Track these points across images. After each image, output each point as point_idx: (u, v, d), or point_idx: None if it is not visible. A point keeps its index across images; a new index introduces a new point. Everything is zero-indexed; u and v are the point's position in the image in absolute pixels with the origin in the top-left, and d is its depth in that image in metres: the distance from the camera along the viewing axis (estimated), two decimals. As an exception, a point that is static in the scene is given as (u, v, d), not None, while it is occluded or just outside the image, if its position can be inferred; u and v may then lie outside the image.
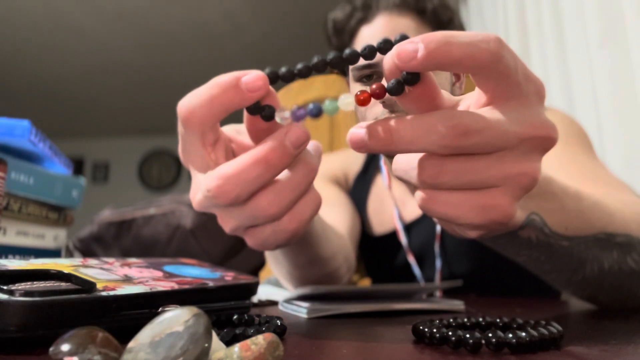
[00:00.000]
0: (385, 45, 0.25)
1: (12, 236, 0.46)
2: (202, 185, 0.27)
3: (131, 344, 0.15)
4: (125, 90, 3.96)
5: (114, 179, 5.04)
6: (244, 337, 0.23)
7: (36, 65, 3.57)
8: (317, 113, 0.25)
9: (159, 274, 0.31)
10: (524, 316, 0.31)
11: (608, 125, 1.13)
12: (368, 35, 0.59)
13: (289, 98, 1.07)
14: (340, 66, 0.26)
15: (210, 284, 0.30)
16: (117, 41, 3.25)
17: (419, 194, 0.25)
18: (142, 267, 0.32)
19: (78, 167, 5.04)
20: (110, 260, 0.33)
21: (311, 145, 0.31)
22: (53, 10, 2.91)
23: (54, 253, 0.53)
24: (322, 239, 0.44)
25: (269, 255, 0.49)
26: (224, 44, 3.26)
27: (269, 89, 0.26)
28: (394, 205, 0.75)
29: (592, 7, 1.18)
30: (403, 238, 0.72)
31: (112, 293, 0.24)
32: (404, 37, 0.24)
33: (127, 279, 0.28)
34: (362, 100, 0.24)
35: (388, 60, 0.23)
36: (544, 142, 0.25)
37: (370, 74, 0.48)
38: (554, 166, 0.56)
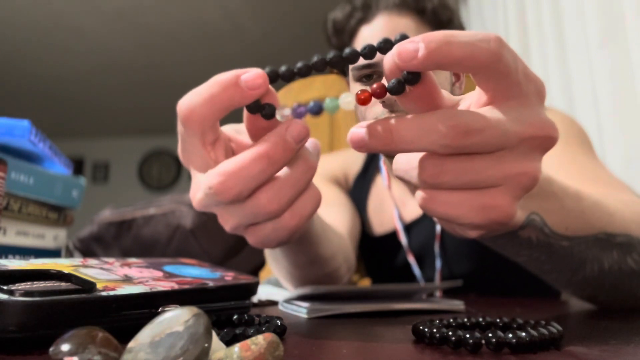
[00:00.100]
0: (386, 45, 0.25)
1: (12, 236, 0.46)
2: (203, 184, 0.27)
3: (131, 344, 0.15)
4: (125, 90, 3.96)
5: (114, 179, 5.04)
6: (244, 337, 0.23)
7: (36, 65, 3.57)
8: (317, 111, 0.25)
9: (159, 274, 0.31)
10: (524, 316, 0.31)
11: (608, 125, 1.13)
12: (368, 35, 0.59)
13: (290, 98, 1.07)
14: (340, 65, 0.25)
15: (210, 284, 0.30)
16: (117, 41, 3.25)
17: (420, 193, 0.25)
18: (142, 267, 0.32)
19: (78, 167, 5.04)
20: (110, 260, 0.33)
21: (309, 143, 0.31)
22: (53, 10, 2.92)
23: (54, 253, 0.53)
24: (322, 238, 0.44)
25: (268, 255, 0.49)
26: (224, 44, 3.26)
27: (269, 87, 0.26)
28: (393, 206, 0.75)
29: (592, 7, 1.18)
30: (403, 238, 0.72)
31: (112, 293, 0.24)
32: (404, 37, 0.24)
33: (127, 279, 0.28)
34: (363, 100, 0.24)
35: (388, 60, 0.23)
36: (545, 142, 0.25)
37: (370, 74, 0.48)
38: (554, 166, 0.56)
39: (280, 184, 0.27)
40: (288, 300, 0.40)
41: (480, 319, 0.29)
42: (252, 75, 0.25)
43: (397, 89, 0.24)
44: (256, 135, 0.28)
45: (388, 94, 0.24)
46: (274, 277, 0.68)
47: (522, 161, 0.24)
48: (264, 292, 0.52)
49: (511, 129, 0.23)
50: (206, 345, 0.15)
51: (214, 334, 0.17)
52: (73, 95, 4.05)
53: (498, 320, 0.29)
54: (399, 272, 0.74)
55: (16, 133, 0.44)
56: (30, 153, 0.48)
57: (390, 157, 0.44)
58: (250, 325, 0.28)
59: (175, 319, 0.16)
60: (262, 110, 0.26)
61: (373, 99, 0.24)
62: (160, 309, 0.25)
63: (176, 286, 0.28)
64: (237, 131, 0.31)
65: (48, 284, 0.24)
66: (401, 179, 0.27)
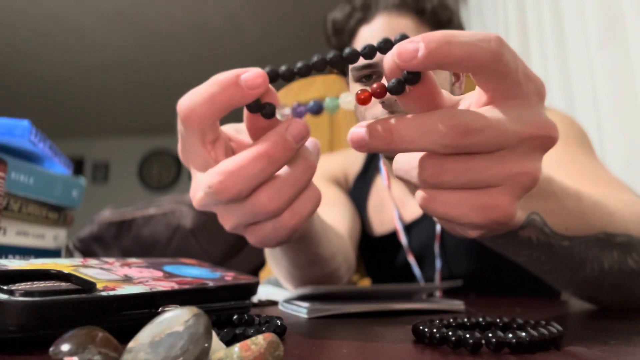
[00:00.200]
0: (385, 45, 0.25)
1: (12, 236, 0.46)
2: (203, 183, 0.27)
3: (131, 344, 0.15)
4: (125, 90, 3.96)
5: (114, 179, 5.04)
6: (244, 337, 0.23)
7: (36, 65, 3.57)
8: (317, 110, 0.25)
9: (159, 274, 0.31)
10: (524, 316, 0.31)
11: (608, 125, 1.13)
12: (367, 35, 0.59)
13: (290, 98, 1.07)
14: (339, 65, 0.25)
15: (210, 284, 0.30)
16: (117, 41, 3.25)
17: (420, 193, 0.25)
18: (142, 267, 0.32)
19: (78, 167, 5.04)
20: (110, 260, 0.33)
21: (309, 142, 0.31)
22: (53, 10, 2.92)
23: (54, 253, 0.53)
24: (322, 238, 0.44)
25: (268, 255, 0.49)
26: (224, 44, 3.26)
27: (269, 87, 0.26)
28: (393, 206, 0.75)
29: (592, 7, 1.18)
30: (403, 238, 0.72)
31: (112, 293, 0.24)
32: (404, 37, 0.24)
33: (127, 279, 0.28)
34: (363, 99, 0.24)
35: (388, 60, 0.23)
36: (545, 142, 0.25)
37: (370, 74, 0.48)
38: (554, 166, 0.56)
39: (280, 183, 0.27)
40: (288, 300, 0.40)
41: (480, 319, 0.29)
42: (252, 75, 0.25)
43: (397, 89, 0.24)
44: (256, 135, 0.28)
45: (388, 94, 0.24)
46: (274, 277, 0.68)
47: (522, 161, 0.24)
48: (264, 292, 0.52)
49: (511, 129, 0.23)
50: (206, 345, 0.15)
51: (214, 334, 0.17)
52: (73, 95, 4.05)
53: (498, 320, 0.29)
54: (399, 272, 0.74)
55: (16, 133, 0.44)
56: (30, 153, 0.48)
57: (390, 157, 0.44)
58: (250, 325, 0.28)
59: (175, 319, 0.16)
60: (262, 109, 0.26)
61: (373, 99, 0.24)
62: (160, 309, 0.25)
63: (176, 286, 0.28)
64: (237, 130, 0.31)
65: (48, 284, 0.24)
66: (401, 179, 0.27)
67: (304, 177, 0.28)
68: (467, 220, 0.24)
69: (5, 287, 0.21)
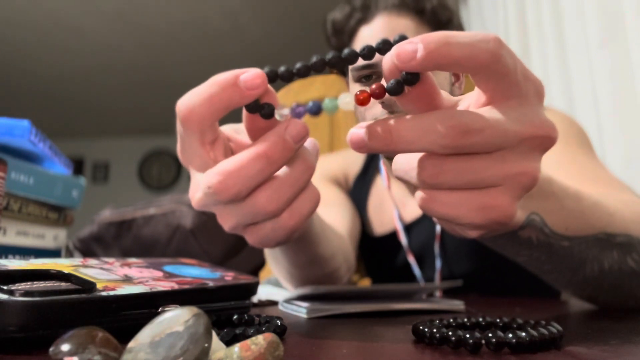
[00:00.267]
0: (384, 46, 0.25)
1: (12, 236, 0.46)
2: (202, 183, 0.27)
3: (131, 344, 0.15)
4: (125, 90, 3.96)
5: (114, 179, 5.04)
6: (244, 337, 0.23)
7: (36, 65, 3.57)
8: (316, 111, 0.25)
9: (159, 274, 0.31)
10: (524, 316, 0.31)
11: (608, 125, 1.13)
12: (367, 35, 0.59)
13: (289, 98, 1.07)
14: (339, 66, 0.26)
15: (210, 284, 0.30)
16: (117, 41, 3.25)
17: (419, 194, 0.25)
18: (142, 267, 0.32)
19: (78, 167, 5.04)
20: (110, 260, 0.33)
21: (308, 143, 0.31)
22: (53, 10, 2.91)
23: (54, 253, 0.53)
24: (322, 238, 0.44)
25: (268, 255, 0.49)
26: (224, 44, 3.26)
27: (268, 87, 0.26)
28: (393, 206, 0.75)
29: (592, 7, 1.18)
30: (403, 238, 0.72)
31: (112, 293, 0.24)
32: (403, 38, 0.24)
33: (127, 279, 0.28)
34: (362, 100, 0.24)
35: (387, 61, 0.23)
36: (544, 142, 0.25)
37: (370, 75, 0.48)
38: (554, 166, 0.56)
39: (279, 183, 0.27)
40: (288, 300, 0.40)
41: (480, 319, 0.29)
42: (251, 75, 0.25)
43: (396, 90, 0.24)
44: (255, 135, 0.28)
45: (387, 95, 0.24)
46: (274, 277, 0.68)
47: (522, 161, 0.24)
48: (264, 292, 0.52)
49: (510, 129, 0.23)
50: (206, 345, 0.15)
51: (214, 334, 0.17)
52: (73, 95, 4.05)
53: (498, 320, 0.29)
54: (399, 272, 0.74)
55: (16, 133, 0.44)
56: (30, 153, 0.48)
57: (389, 157, 0.44)
58: (250, 325, 0.28)
59: (175, 319, 0.16)
60: (261, 110, 0.26)
61: (372, 99, 0.24)
62: (160, 309, 0.25)
63: (176, 286, 0.28)
64: (236, 131, 0.31)
65: (48, 284, 0.24)
66: (401, 179, 0.27)
67: (303, 177, 0.28)
68: (467, 221, 0.24)
69: (5, 287, 0.21)
